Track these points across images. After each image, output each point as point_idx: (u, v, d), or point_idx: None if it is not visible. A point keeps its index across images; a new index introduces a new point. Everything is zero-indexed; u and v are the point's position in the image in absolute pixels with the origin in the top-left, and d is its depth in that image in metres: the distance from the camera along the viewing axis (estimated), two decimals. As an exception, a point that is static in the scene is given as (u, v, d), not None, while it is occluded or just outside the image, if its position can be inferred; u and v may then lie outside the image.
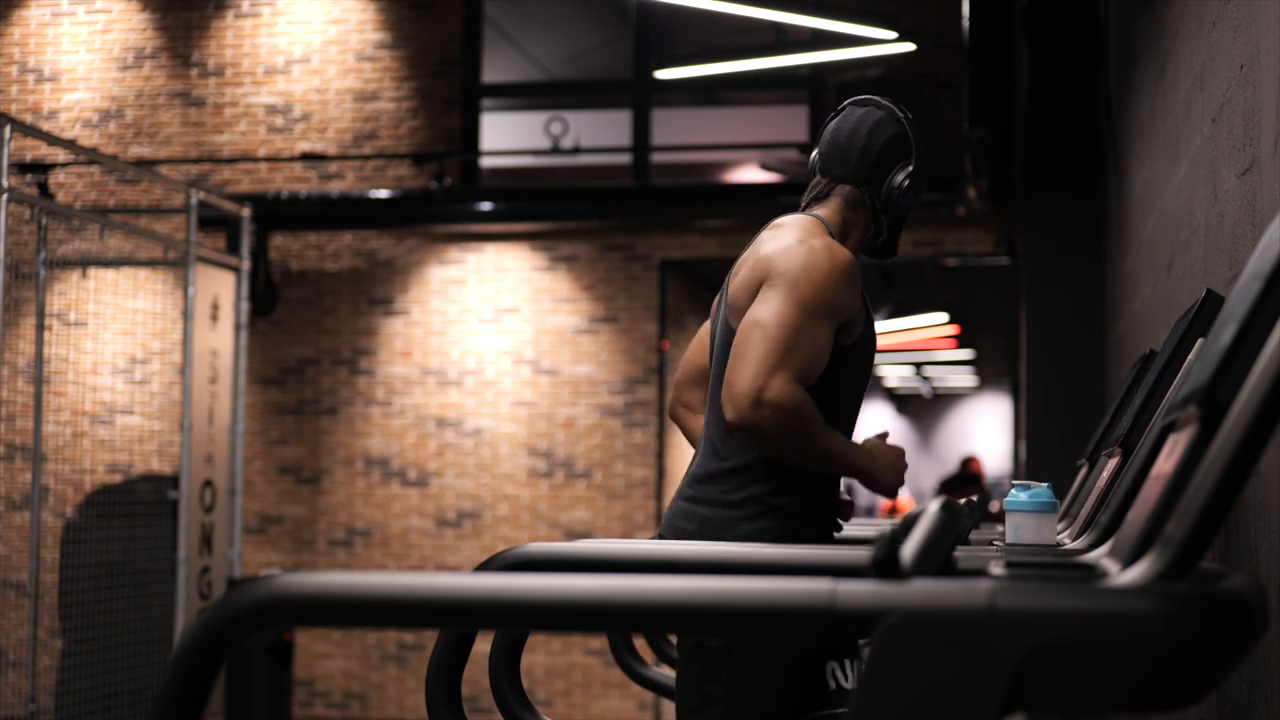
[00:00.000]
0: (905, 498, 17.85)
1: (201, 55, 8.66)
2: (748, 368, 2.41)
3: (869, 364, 2.65)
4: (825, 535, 2.63)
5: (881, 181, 2.62)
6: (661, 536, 2.60)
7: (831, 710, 2.51)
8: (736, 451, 2.53)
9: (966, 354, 15.12)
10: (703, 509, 2.54)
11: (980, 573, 1.41)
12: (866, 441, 2.57)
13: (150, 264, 7.39)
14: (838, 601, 1.08)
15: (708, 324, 2.84)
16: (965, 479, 12.37)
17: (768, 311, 2.44)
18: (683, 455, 8.89)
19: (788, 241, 2.53)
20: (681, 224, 8.14)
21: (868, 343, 2.61)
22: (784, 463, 2.50)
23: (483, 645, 5.31)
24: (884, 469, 2.54)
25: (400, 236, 8.44)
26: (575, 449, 8.19)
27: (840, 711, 2.50)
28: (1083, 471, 3.47)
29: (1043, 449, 6.64)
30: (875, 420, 19.82)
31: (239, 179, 8.54)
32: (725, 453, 2.55)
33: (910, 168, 2.62)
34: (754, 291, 2.52)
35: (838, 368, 2.54)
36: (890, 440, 2.62)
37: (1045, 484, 2.43)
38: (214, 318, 6.93)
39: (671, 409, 2.95)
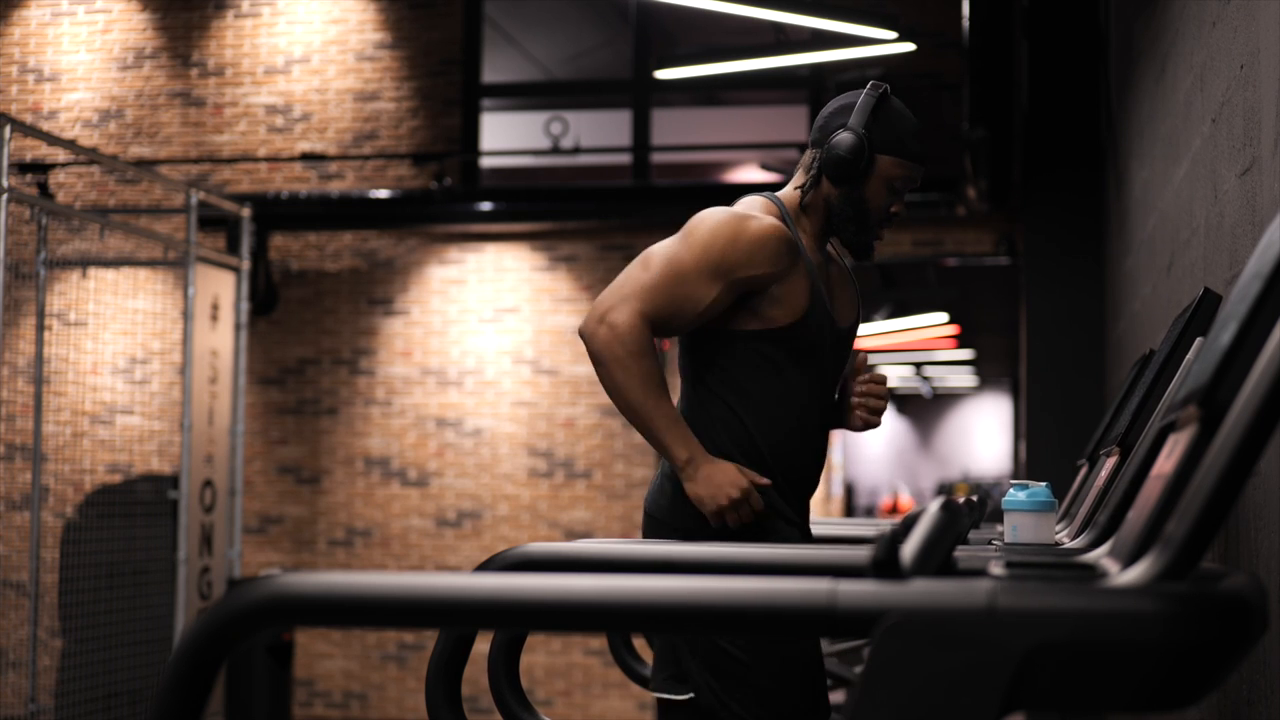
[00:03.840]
0: (905, 498, 17.84)
1: (201, 55, 8.66)
2: (611, 291, 2.52)
3: (822, 353, 2.59)
4: (799, 513, 2.62)
5: (824, 143, 2.60)
6: (644, 511, 2.64)
7: None
8: (700, 430, 2.57)
9: (966, 354, 15.12)
10: (674, 485, 2.56)
11: (980, 573, 1.41)
12: (726, 464, 2.48)
13: (150, 264, 7.39)
14: (838, 601, 1.08)
15: None
16: None
17: (657, 249, 2.57)
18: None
19: (718, 208, 2.60)
20: (681, 224, 8.13)
21: (817, 328, 2.56)
22: (610, 396, 2.53)
23: (483, 645, 5.29)
24: (702, 479, 2.46)
25: (400, 236, 8.44)
26: (575, 449, 8.19)
27: None
28: (1082, 471, 3.47)
29: (1043, 449, 6.64)
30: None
31: (239, 179, 8.54)
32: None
33: (843, 133, 2.55)
34: None
35: (768, 346, 2.54)
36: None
37: (1044, 483, 2.43)
38: (214, 318, 6.93)
39: None
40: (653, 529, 2.60)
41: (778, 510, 2.57)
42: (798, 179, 2.66)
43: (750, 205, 2.61)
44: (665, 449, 2.49)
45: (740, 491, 2.46)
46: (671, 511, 2.55)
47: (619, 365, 2.47)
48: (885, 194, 2.59)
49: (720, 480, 2.46)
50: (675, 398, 2.93)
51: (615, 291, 2.51)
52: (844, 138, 2.56)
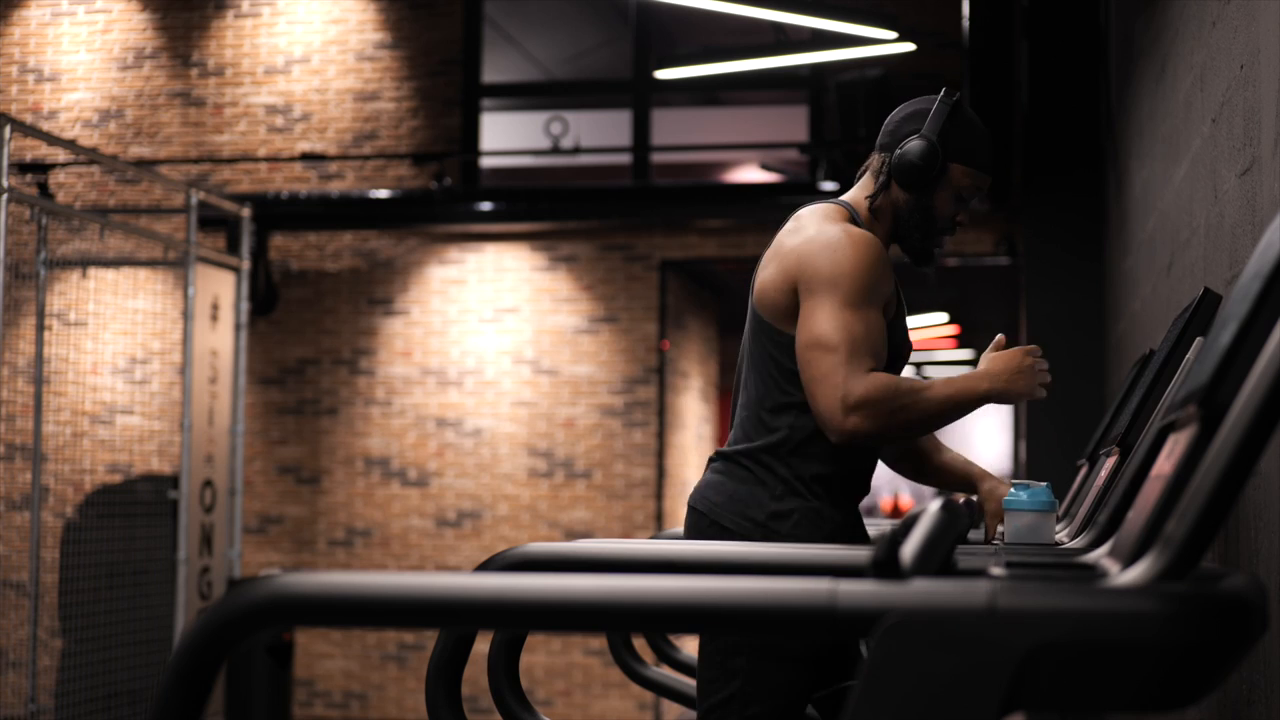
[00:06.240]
0: (905, 498, 17.86)
1: (201, 55, 8.66)
2: (823, 388, 2.42)
3: (901, 346, 2.63)
4: (850, 519, 2.62)
5: (895, 148, 2.60)
6: (690, 508, 2.62)
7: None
8: (765, 433, 2.56)
9: (966, 354, 15.11)
10: (732, 483, 2.56)
11: (980, 573, 1.41)
12: (983, 360, 2.52)
13: (150, 264, 7.39)
14: (838, 601, 1.08)
15: None
16: None
17: (819, 325, 2.45)
18: (683, 455, 8.89)
19: (810, 234, 2.53)
20: (681, 224, 8.14)
21: (897, 325, 2.60)
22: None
23: (483, 645, 5.29)
24: (1008, 381, 2.49)
25: (400, 236, 8.44)
26: (575, 449, 8.19)
27: None
28: (1082, 471, 3.47)
29: (1043, 449, 6.64)
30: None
31: (239, 179, 8.54)
32: (754, 434, 2.58)
33: (916, 140, 2.55)
34: (786, 287, 2.52)
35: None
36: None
37: (1044, 483, 2.42)
38: (214, 318, 6.93)
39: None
40: (696, 523, 2.60)
41: (855, 496, 2.64)
42: (865, 184, 2.65)
43: (827, 214, 2.57)
44: (973, 403, 2.48)
45: (1029, 357, 2.50)
46: (726, 507, 2.56)
47: (898, 415, 2.42)
48: (953, 202, 2.60)
49: (1013, 366, 2.49)
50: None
51: (827, 383, 2.42)
52: (916, 144, 2.55)
